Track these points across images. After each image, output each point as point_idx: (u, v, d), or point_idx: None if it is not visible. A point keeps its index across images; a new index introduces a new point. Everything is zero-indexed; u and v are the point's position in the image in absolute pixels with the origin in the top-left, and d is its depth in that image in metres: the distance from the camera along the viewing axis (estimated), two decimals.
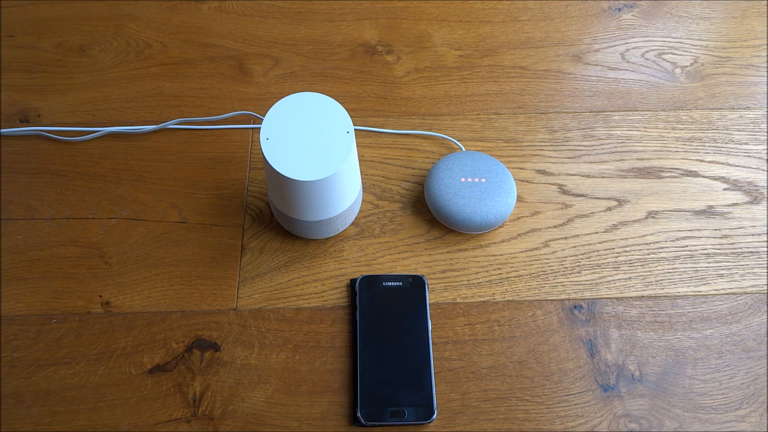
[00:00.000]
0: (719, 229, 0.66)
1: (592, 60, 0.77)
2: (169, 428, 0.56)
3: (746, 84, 0.75)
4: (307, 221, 0.59)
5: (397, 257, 0.64)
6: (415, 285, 0.61)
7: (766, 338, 0.60)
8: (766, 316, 0.61)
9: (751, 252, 0.64)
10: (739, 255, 0.64)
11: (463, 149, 0.69)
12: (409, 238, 0.65)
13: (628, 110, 0.73)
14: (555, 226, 0.66)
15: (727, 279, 0.63)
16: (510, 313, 0.61)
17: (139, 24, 0.79)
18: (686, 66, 0.76)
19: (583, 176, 0.69)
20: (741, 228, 0.66)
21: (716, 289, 0.62)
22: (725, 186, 0.68)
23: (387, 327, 0.59)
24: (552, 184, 0.68)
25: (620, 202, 0.67)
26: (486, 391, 0.57)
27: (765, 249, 0.65)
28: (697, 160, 0.70)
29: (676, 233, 0.65)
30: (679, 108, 0.73)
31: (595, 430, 0.56)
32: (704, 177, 0.69)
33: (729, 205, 0.67)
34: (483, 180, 0.64)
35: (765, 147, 0.71)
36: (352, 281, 0.62)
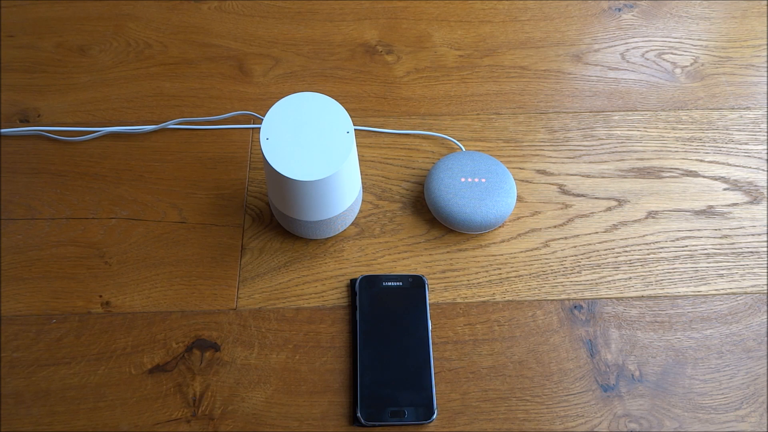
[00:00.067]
0: (719, 229, 0.66)
1: (592, 60, 0.77)
2: (169, 428, 0.56)
3: (746, 84, 0.75)
4: (307, 221, 0.59)
5: (397, 257, 0.64)
6: (415, 285, 0.61)
7: (766, 338, 0.60)
8: (766, 316, 0.61)
9: (751, 252, 0.64)
10: (739, 255, 0.64)
11: (463, 149, 0.69)
12: (409, 238, 0.65)
13: (628, 110, 0.73)
14: (555, 226, 0.66)
15: (727, 279, 0.63)
16: (510, 313, 0.61)
17: (139, 24, 0.79)
18: (686, 66, 0.76)
19: (583, 176, 0.69)
20: (741, 228, 0.66)
21: (716, 289, 0.62)
22: (725, 186, 0.68)
23: (387, 327, 0.59)
24: (552, 184, 0.68)
25: (620, 202, 0.67)
26: (486, 391, 0.57)
27: (765, 249, 0.65)
28: (697, 160, 0.70)
29: (676, 233, 0.65)
30: (679, 108, 0.73)
31: (595, 430, 0.56)
32: (704, 177, 0.69)
33: (729, 205, 0.67)
34: (483, 180, 0.64)
35: (765, 147, 0.71)
36: (352, 281, 0.62)
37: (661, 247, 0.65)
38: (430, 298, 0.62)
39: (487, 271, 0.63)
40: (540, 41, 0.78)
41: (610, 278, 0.63)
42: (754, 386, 0.58)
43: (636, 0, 0.82)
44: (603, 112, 0.73)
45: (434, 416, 0.55)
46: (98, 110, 0.72)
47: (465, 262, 0.64)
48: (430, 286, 0.62)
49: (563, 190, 0.68)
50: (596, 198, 0.67)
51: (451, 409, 0.57)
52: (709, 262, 0.64)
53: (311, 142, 0.55)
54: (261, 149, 0.57)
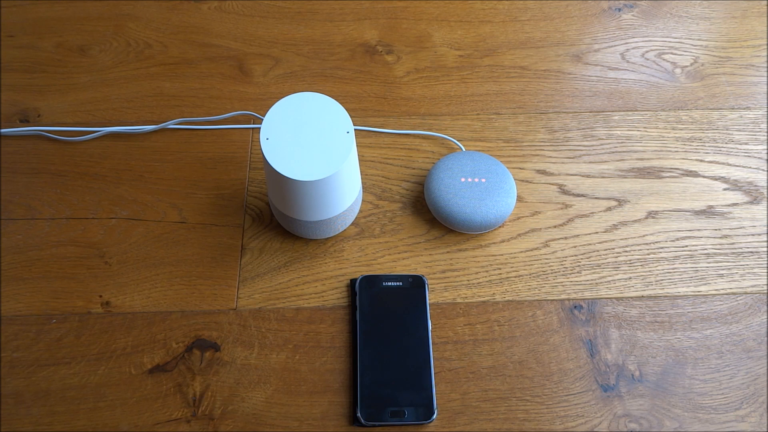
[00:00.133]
0: (719, 229, 0.66)
1: (592, 60, 0.77)
2: (169, 428, 0.56)
3: (746, 84, 0.75)
4: (307, 221, 0.59)
5: (397, 257, 0.64)
6: (415, 285, 0.61)
7: (766, 338, 0.60)
8: (766, 316, 0.61)
9: (751, 252, 0.64)
10: (739, 255, 0.64)
11: (463, 149, 0.69)
12: (409, 238, 0.65)
13: (628, 110, 0.73)
14: (555, 226, 0.66)
15: (727, 279, 0.63)
16: (510, 313, 0.61)
17: (139, 24, 0.79)
18: (686, 66, 0.76)
19: (583, 176, 0.69)
20: (741, 228, 0.66)
21: (716, 289, 0.62)
22: (725, 186, 0.68)
23: (387, 327, 0.59)
24: (552, 184, 0.68)
25: (620, 202, 0.67)
26: (486, 391, 0.57)
27: (765, 249, 0.65)
28: (697, 160, 0.70)
29: (676, 233, 0.65)
30: (679, 108, 0.73)
31: (595, 430, 0.56)
32: (704, 177, 0.69)
33: (729, 205, 0.67)
34: (483, 180, 0.64)
35: (765, 147, 0.71)
36: (352, 281, 0.62)
37: (661, 247, 0.65)
38: (430, 298, 0.62)
39: (487, 271, 0.63)
40: (540, 41, 0.78)
41: (610, 278, 0.63)
42: (754, 386, 0.58)
43: (636, 0, 0.82)
44: (603, 112, 0.73)
45: (434, 416, 0.55)
46: (98, 110, 0.72)
47: (465, 262, 0.64)
48: (430, 286, 0.62)
49: (563, 190, 0.68)
50: (596, 198, 0.67)
51: (451, 409, 0.57)
52: (709, 262, 0.64)
53: (311, 142, 0.55)
54: (261, 149, 0.57)
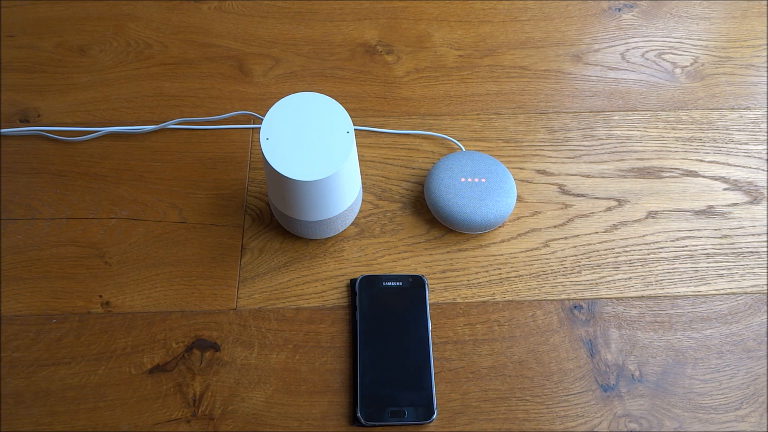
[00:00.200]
0: (719, 229, 0.66)
1: (592, 60, 0.77)
2: (169, 428, 0.56)
3: (746, 84, 0.75)
4: (307, 221, 0.60)
5: (397, 257, 0.64)
6: (415, 285, 0.61)
7: (766, 338, 0.60)
8: (766, 316, 0.61)
9: (751, 252, 0.64)
10: (739, 255, 0.64)
11: (463, 149, 0.69)
12: (409, 238, 0.65)
13: (628, 110, 0.73)
14: (555, 226, 0.66)
15: (727, 279, 0.63)
16: (510, 313, 0.61)
17: (139, 24, 0.79)
18: (686, 66, 0.76)
19: (583, 176, 0.69)
20: (741, 228, 0.66)
21: (716, 289, 0.62)
22: (725, 186, 0.68)
23: (387, 327, 0.59)
24: (552, 184, 0.68)
25: (620, 202, 0.67)
26: (486, 391, 0.57)
27: (765, 249, 0.65)
28: (697, 160, 0.70)
29: (676, 233, 0.65)
30: (679, 108, 0.73)
31: (595, 430, 0.56)
32: (704, 177, 0.69)
33: (729, 205, 0.67)
34: (483, 180, 0.64)
35: (765, 147, 0.71)
36: (352, 281, 0.62)
37: (661, 247, 0.65)
38: (430, 298, 0.62)
39: (487, 271, 0.63)
40: (540, 41, 0.78)
41: (610, 278, 0.63)
42: (754, 386, 0.58)
43: (636, 0, 0.82)
44: (603, 112, 0.73)
45: (434, 416, 0.55)
46: (98, 110, 0.72)
47: (465, 262, 0.64)
48: (430, 286, 0.62)
49: (563, 190, 0.68)
50: (596, 198, 0.67)
51: (451, 409, 0.57)
52: (709, 262, 0.64)
53: (311, 142, 0.55)
54: (261, 149, 0.57)
